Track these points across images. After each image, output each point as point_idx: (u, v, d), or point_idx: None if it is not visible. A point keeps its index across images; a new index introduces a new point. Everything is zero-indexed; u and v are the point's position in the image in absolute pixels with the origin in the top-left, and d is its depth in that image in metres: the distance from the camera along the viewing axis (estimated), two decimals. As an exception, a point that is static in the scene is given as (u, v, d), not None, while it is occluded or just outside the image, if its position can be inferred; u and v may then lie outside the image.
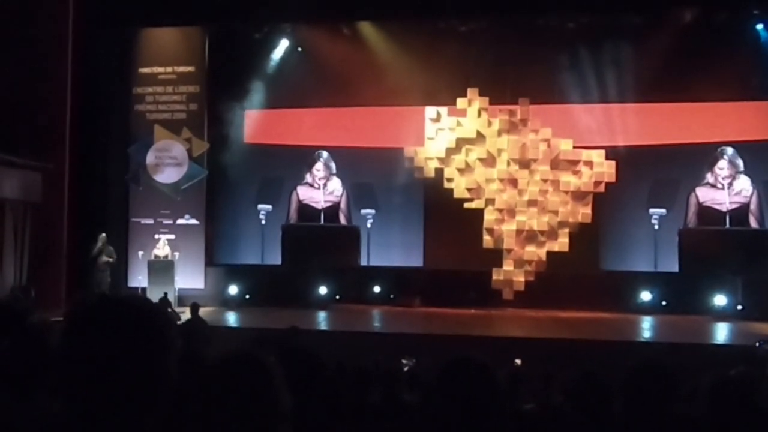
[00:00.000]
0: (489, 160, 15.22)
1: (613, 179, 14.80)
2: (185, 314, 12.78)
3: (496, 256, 15.05)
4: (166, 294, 13.42)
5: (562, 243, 14.92)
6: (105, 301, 1.67)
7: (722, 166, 14.78)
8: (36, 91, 14.06)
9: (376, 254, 15.55)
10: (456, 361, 2.18)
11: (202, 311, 14.46)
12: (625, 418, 3.23)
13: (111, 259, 14.33)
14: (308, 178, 16.06)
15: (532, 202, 15.01)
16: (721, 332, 13.09)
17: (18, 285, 13.21)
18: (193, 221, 15.48)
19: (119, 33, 15.57)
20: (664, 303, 14.41)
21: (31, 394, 2.39)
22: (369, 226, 15.51)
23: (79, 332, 1.59)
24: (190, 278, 15.03)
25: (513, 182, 15.13)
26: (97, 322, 1.59)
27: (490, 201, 15.17)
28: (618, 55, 14.66)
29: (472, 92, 15.16)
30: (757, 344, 10.13)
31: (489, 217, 15.13)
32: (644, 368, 3.29)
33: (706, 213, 14.80)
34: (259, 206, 15.74)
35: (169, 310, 11.79)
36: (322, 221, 15.73)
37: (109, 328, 1.57)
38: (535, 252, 15.00)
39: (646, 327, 13.63)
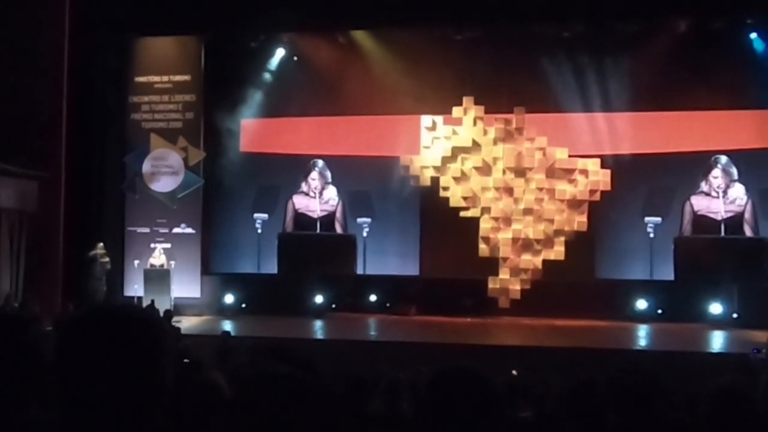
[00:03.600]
0: (484, 169, 15.24)
1: (608, 187, 14.83)
2: (180, 323, 12.80)
3: (492, 265, 15.06)
4: (153, 301, 13.36)
5: (557, 251, 14.93)
6: (99, 310, 1.67)
7: (716, 175, 14.83)
8: (32, 100, 14.06)
9: (372, 263, 15.54)
10: (446, 370, 2.18)
11: (199, 320, 14.54)
12: (620, 426, 3.24)
13: (106, 262, 14.29)
14: (304, 186, 16.07)
15: (527, 211, 15.03)
16: (717, 340, 13.10)
17: (15, 294, 13.18)
18: (189, 230, 15.47)
19: (115, 42, 15.58)
20: (659, 311, 14.42)
21: (27, 403, 2.39)
22: (365, 234, 15.51)
23: (73, 342, 1.59)
24: (186, 287, 15.02)
25: (508, 191, 15.15)
26: (91, 331, 1.59)
27: (485, 209, 15.18)
28: (613, 64, 14.72)
29: (467, 101, 15.19)
30: (753, 352, 10.15)
31: (485, 225, 15.15)
32: (625, 373, 3.30)
33: (701, 221, 14.84)
34: (255, 215, 15.74)
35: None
36: (318, 230, 15.73)
37: (103, 338, 1.57)
38: (531, 260, 15.02)
39: (642, 335, 13.64)
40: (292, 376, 1.79)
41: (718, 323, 13.75)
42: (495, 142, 15.22)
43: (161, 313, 11.93)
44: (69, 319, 1.65)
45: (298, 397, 1.75)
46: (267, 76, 15.97)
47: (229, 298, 15.23)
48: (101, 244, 14.41)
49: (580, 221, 14.93)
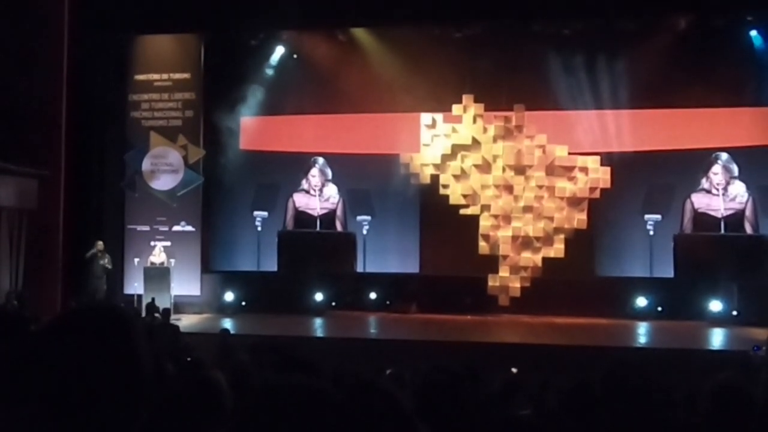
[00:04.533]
0: (484, 167, 15.24)
1: (608, 185, 14.83)
2: (180, 321, 12.81)
3: (491, 262, 15.06)
4: (153, 300, 13.34)
5: (557, 249, 14.93)
6: (72, 311, 1.67)
7: (716, 171, 14.83)
8: (32, 99, 14.05)
9: (372, 260, 15.55)
10: (435, 369, 2.18)
11: (199, 318, 14.55)
12: (618, 423, 3.24)
13: (108, 266, 14.30)
14: (304, 184, 16.07)
15: (527, 208, 15.03)
16: (717, 338, 13.11)
17: (15, 292, 13.18)
18: (189, 228, 15.47)
19: (115, 40, 15.57)
20: (659, 309, 14.41)
21: (27, 402, 2.39)
22: (365, 232, 15.51)
23: (47, 343, 1.59)
24: (186, 285, 15.01)
25: (508, 188, 15.15)
26: (62, 332, 1.59)
27: (485, 207, 15.18)
28: (613, 62, 14.70)
29: (467, 99, 15.18)
30: (753, 350, 10.15)
31: (484, 223, 15.15)
32: (619, 370, 3.30)
33: (702, 219, 14.84)
34: (255, 213, 15.75)
35: (157, 315, 11.74)
36: (318, 228, 15.73)
37: (74, 339, 1.57)
38: (531, 258, 15.02)
39: (642, 333, 13.64)
40: (307, 388, 1.77)
41: (718, 320, 13.75)
42: (495, 139, 15.22)
43: (160, 311, 11.95)
44: (45, 325, 1.65)
45: (314, 411, 1.73)
46: (267, 73, 15.96)
47: (229, 296, 15.22)
48: (101, 242, 14.41)
49: (579, 219, 14.93)
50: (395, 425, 1.81)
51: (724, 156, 14.83)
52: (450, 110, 15.25)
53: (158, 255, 14.93)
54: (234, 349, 9.02)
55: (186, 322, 13.45)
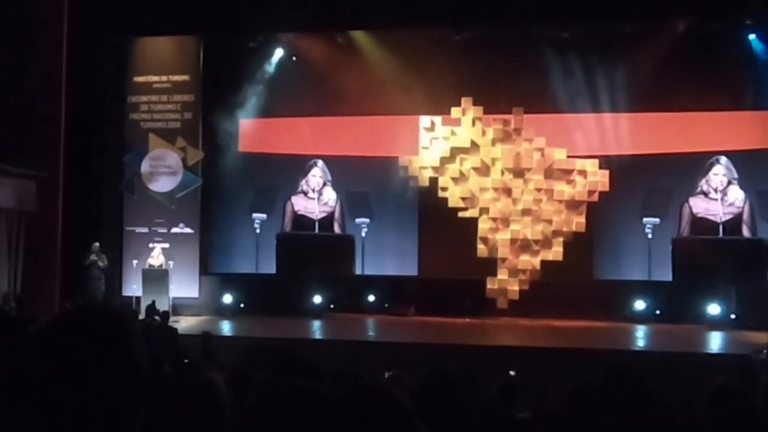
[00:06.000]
0: (483, 170, 15.25)
1: (606, 188, 14.84)
2: (178, 323, 12.80)
3: (490, 265, 15.06)
4: (153, 302, 13.31)
5: (556, 252, 14.94)
6: (69, 313, 1.67)
7: (717, 172, 14.84)
8: (31, 100, 14.04)
9: (370, 263, 15.54)
10: (433, 372, 2.18)
11: (197, 320, 14.54)
12: (617, 426, 3.24)
13: (101, 264, 14.31)
14: (303, 186, 16.07)
15: (526, 211, 15.03)
16: (715, 341, 13.12)
17: (13, 293, 13.17)
18: (188, 230, 15.47)
19: (114, 42, 15.56)
20: (658, 312, 14.42)
21: (25, 404, 2.38)
22: (363, 234, 15.51)
23: (44, 345, 1.59)
24: (184, 287, 15.01)
25: (507, 191, 15.16)
26: (59, 334, 1.59)
27: (484, 210, 15.19)
28: (612, 65, 14.71)
29: (466, 101, 15.19)
30: (752, 353, 10.15)
31: (483, 226, 15.15)
32: (614, 373, 3.30)
33: (700, 224, 14.84)
34: (254, 215, 15.74)
35: (156, 317, 11.72)
36: (316, 231, 15.73)
37: (71, 340, 1.57)
38: (530, 261, 15.02)
39: (640, 336, 13.65)
40: (308, 390, 1.77)
41: (716, 324, 13.76)
42: (493, 142, 15.22)
43: (160, 314, 11.94)
44: (39, 328, 1.64)
45: (315, 413, 1.72)
46: (266, 76, 15.95)
47: (227, 299, 15.22)
48: (96, 244, 14.40)
49: (578, 222, 14.93)
50: (396, 426, 1.81)
51: (724, 159, 14.84)
52: (449, 113, 15.26)
53: (157, 257, 14.92)
54: (217, 352, 9.00)
55: (184, 324, 13.44)
